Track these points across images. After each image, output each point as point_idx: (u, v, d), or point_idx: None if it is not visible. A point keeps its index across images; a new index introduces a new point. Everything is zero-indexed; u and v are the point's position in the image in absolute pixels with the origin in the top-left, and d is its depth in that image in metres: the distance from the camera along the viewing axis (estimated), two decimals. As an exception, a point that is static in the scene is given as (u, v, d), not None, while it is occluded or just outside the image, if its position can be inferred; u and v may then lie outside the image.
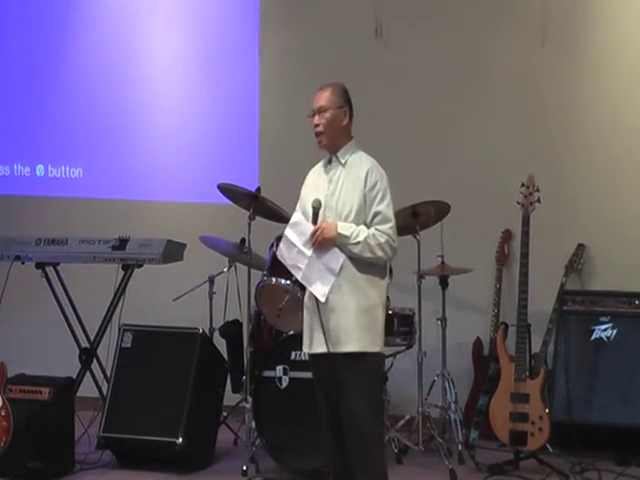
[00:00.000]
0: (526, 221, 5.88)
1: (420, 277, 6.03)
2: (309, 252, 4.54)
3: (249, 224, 5.84)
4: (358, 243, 4.50)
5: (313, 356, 4.63)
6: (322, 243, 4.51)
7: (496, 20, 6.68)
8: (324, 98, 4.64)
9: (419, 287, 6.02)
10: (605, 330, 6.20)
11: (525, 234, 5.87)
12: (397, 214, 5.90)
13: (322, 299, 4.50)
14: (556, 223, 6.48)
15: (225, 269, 6.34)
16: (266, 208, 5.95)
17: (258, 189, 6.02)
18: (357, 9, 6.85)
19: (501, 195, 6.43)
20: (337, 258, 4.51)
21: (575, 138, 6.59)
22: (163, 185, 7.27)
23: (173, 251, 6.32)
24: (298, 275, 4.60)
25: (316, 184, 4.70)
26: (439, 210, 6.05)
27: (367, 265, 4.55)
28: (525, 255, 5.85)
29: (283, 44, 7.06)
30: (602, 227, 6.50)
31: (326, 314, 4.50)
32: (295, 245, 4.57)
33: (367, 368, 4.54)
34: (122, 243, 6.29)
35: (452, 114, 6.75)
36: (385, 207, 4.57)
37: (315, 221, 4.55)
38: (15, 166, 7.51)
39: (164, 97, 7.26)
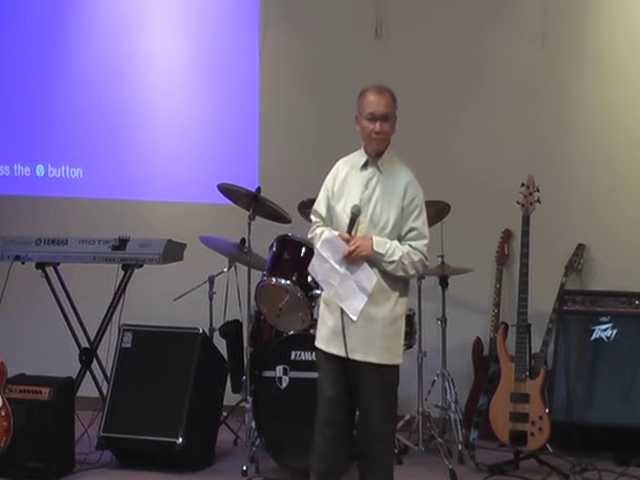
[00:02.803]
0: (526, 221, 5.88)
1: (420, 277, 6.03)
2: (342, 269, 4.50)
3: (249, 224, 5.84)
4: (393, 262, 4.48)
5: (326, 355, 4.60)
6: (356, 260, 4.48)
7: (496, 20, 6.68)
8: (387, 105, 4.60)
9: (419, 287, 6.02)
10: (605, 330, 6.20)
11: (525, 234, 5.87)
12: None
13: (354, 317, 4.48)
14: (556, 223, 6.48)
15: (225, 269, 6.34)
16: (266, 208, 5.96)
17: (258, 189, 6.02)
18: (357, 9, 6.85)
19: (501, 195, 6.43)
20: (371, 278, 4.48)
21: (575, 138, 6.60)
22: (163, 185, 7.26)
23: (173, 251, 6.32)
24: (330, 291, 4.55)
25: (350, 182, 4.62)
26: (439, 210, 6.04)
27: (395, 279, 4.54)
28: (525, 255, 5.85)
29: (283, 44, 7.06)
30: (602, 227, 6.50)
31: (350, 321, 4.49)
32: (327, 261, 4.52)
33: (387, 379, 4.56)
34: (122, 243, 6.29)
35: (452, 114, 6.75)
36: (421, 224, 4.56)
37: (351, 228, 4.51)
38: (15, 166, 7.50)
39: (164, 97, 7.26)
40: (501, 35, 6.68)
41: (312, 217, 4.76)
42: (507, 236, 6.63)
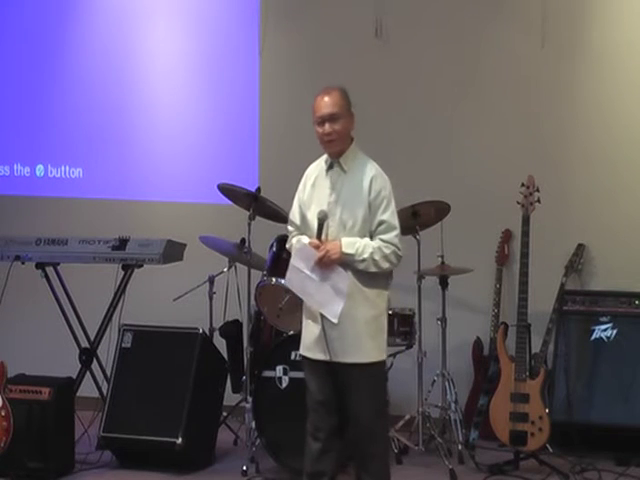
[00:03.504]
0: (526, 221, 5.88)
1: (420, 277, 6.03)
2: (316, 276, 4.49)
3: (249, 224, 5.84)
4: (364, 260, 4.47)
5: (311, 361, 4.61)
6: (328, 265, 4.47)
7: (496, 20, 6.68)
8: (334, 104, 4.53)
9: (419, 287, 6.02)
10: (605, 330, 6.20)
11: (525, 234, 5.87)
12: (397, 214, 5.98)
13: (335, 320, 4.46)
14: (556, 223, 6.48)
15: (225, 269, 6.34)
16: (266, 208, 5.95)
17: (258, 189, 6.02)
18: (357, 9, 6.85)
19: (501, 195, 6.43)
20: (345, 279, 4.47)
21: (575, 138, 6.60)
22: (163, 185, 7.26)
23: (173, 251, 6.32)
24: (310, 301, 4.56)
25: (317, 187, 4.63)
26: (439, 210, 6.05)
27: (372, 275, 4.52)
28: (525, 255, 5.85)
29: (283, 44, 7.06)
30: (602, 227, 6.50)
31: (331, 323, 4.48)
32: (302, 271, 4.52)
33: (374, 375, 4.55)
34: (122, 243, 6.29)
35: (452, 114, 6.75)
36: (390, 215, 4.52)
37: (320, 233, 4.50)
38: (15, 166, 7.51)
39: (164, 97, 7.26)
40: (501, 35, 6.68)
41: (288, 227, 4.77)
42: (507, 236, 6.63)
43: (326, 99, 4.55)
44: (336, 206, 4.54)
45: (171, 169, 7.24)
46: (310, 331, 4.60)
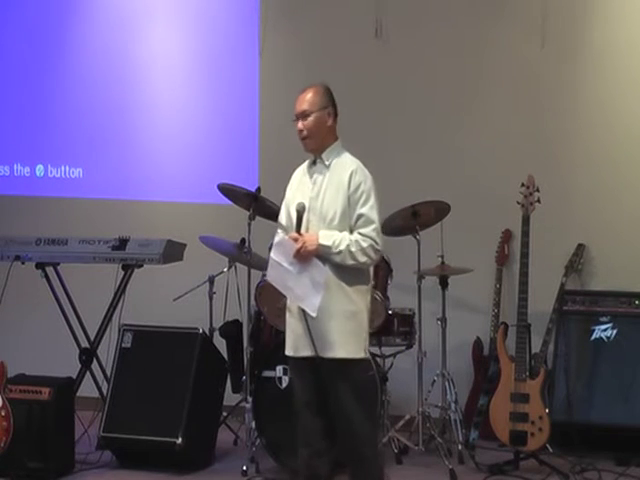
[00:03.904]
0: (526, 221, 5.88)
1: (420, 277, 6.03)
2: (295, 269, 4.49)
3: (249, 224, 5.84)
4: (340, 252, 4.44)
5: (296, 360, 4.61)
6: (305, 257, 4.46)
7: (496, 20, 6.68)
8: (306, 101, 4.57)
9: (419, 287, 6.02)
10: (605, 330, 6.20)
11: (525, 234, 5.87)
12: (397, 214, 5.99)
13: (313, 314, 4.45)
14: (556, 223, 6.48)
15: (225, 269, 6.34)
16: (266, 208, 5.95)
17: (258, 189, 6.02)
18: (357, 9, 6.85)
19: (501, 195, 6.42)
20: (322, 272, 4.45)
21: (575, 138, 6.60)
22: (163, 185, 7.26)
23: (173, 251, 6.32)
24: (290, 295, 4.56)
25: (301, 185, 4.67)
26: (439, 210, 6.05)
27: (351, 270, 4.50)
28: (525, 255, 5.85)
29: (283, 44, 7.06)
30: (602, 227, 6.50)
31: (311, 320, 4.47)
32: (281, 265, 4.52)
33: (354, 373, 4.50)
34: (122, 243, 6.29)
35: (452, 114, 6.75)
36: (368, 209, 4.49)
37: (299, 225, 4.50)
38: (15, 166, 7.51)
39: (164, 97, 7.26)
40: (501, 35, 6.68)
41: (278, 230, 4.76)
42: (507, 236, 6.63)
43: (300, 97, 4.61)
44: (317, 200, 4.56)
45: (171, 169, 7.24)
46: (292, 330, 4.61)
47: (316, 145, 4.59)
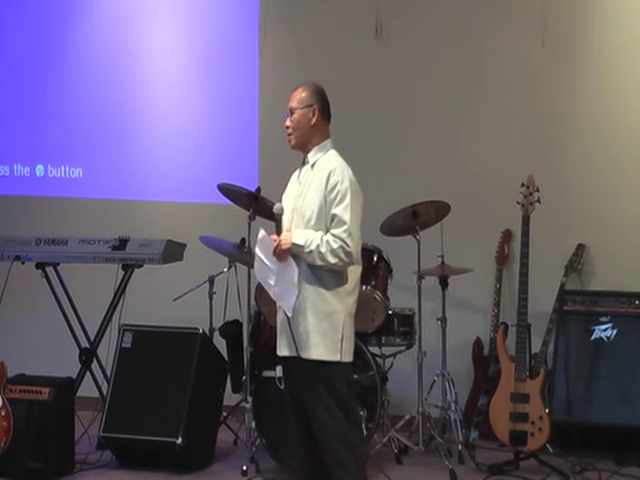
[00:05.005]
0: (526, 221, 5.88)
1: (420, 277, 6.03)
2: (274, 267, 4.52)
3: (249, 224, 5.83)
4: (310, 252, 4.44)
5: (282, 358, 4.64)
6: (281, 255, 4.47)
7: (496, 20, 6.69)
8: (293, 98, 4.65)
9: (419, 287, 6.01)
10: (605, 330, 6.20)
11: (525, 234, 5.87)
12: (397, 214, 5.99)
13: (289, 313, 4.47)
14: (556, 223, 6.48)
15: (225, 269, 6.34)
16: (266, 208, 5.93)
17: (258, 189, 6.01)
18: (357, 9, 6.85)
19: (501, 195, 6.43)
20: (293, 270, 4.47)
21: (575, 138, 6.60)
22: (163, 185, 7.26)
23: (173, 251, 6.32)
24: (270, 292, 4.59)
25: (292, 185, 4.72)
26: (439, 210, 6.05)
27: (326, 271, 4.49)
28: (525, 255, 5.85)
29: (283, 44, 7.06)
30: (602, 227, 6.50)
31: (290, 319, 4.49)
32: (263, 261, 4.55)
33: (326, 376, 4.48)
34: (122, 243, 6.28)
35: (452, 114, 6.75)
36: (342, 210, 4.45)
37: (279, 227, 4.54)
38: (15, 166, 7.51)
39: (164, 97, 7.26)
40: (501, 35, 6.68)
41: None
42: (507, 236, 6.63)
43: (291, 94, 4.69)
44: (300, 199, 4.58)
45: (171, 169, 7.25)
46: (278, 328, 4.63)
47: (297, 142, 4.64)
